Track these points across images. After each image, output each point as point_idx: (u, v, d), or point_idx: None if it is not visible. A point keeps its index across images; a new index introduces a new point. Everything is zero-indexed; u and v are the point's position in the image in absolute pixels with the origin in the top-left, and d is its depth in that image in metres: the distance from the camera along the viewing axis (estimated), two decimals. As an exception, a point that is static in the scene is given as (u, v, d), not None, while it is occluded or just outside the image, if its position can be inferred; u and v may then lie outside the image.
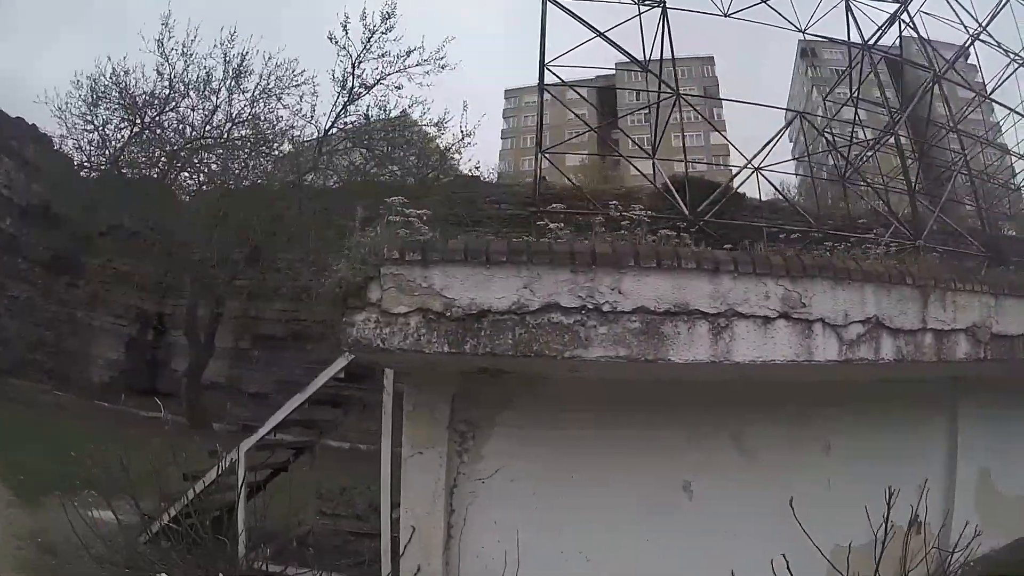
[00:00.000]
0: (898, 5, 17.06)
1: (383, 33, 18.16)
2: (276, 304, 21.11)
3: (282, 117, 19.00)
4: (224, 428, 17.21)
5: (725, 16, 16.98)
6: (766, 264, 3.83)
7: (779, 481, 4.25)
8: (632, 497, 4.26)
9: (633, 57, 16.34)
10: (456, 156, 20.51)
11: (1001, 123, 20.67)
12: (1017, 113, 17.64)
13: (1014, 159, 20.45)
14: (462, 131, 19.34)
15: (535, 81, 15.85)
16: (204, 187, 19.19)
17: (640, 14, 16.32)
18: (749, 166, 15.51)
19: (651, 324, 3.58)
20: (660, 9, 15.81)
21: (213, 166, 19.00)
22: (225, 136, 18.53)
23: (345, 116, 18.89)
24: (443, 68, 18.96)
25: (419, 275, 3.53)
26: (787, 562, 3.51)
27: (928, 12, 17.74)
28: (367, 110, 19.06)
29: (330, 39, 18.06)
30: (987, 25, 18.15)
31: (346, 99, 18.49)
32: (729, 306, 3.68)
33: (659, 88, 15.41)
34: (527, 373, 4.14)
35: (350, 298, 3.56)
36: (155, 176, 19.01)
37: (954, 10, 17.52)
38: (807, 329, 3.82)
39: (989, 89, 19.35)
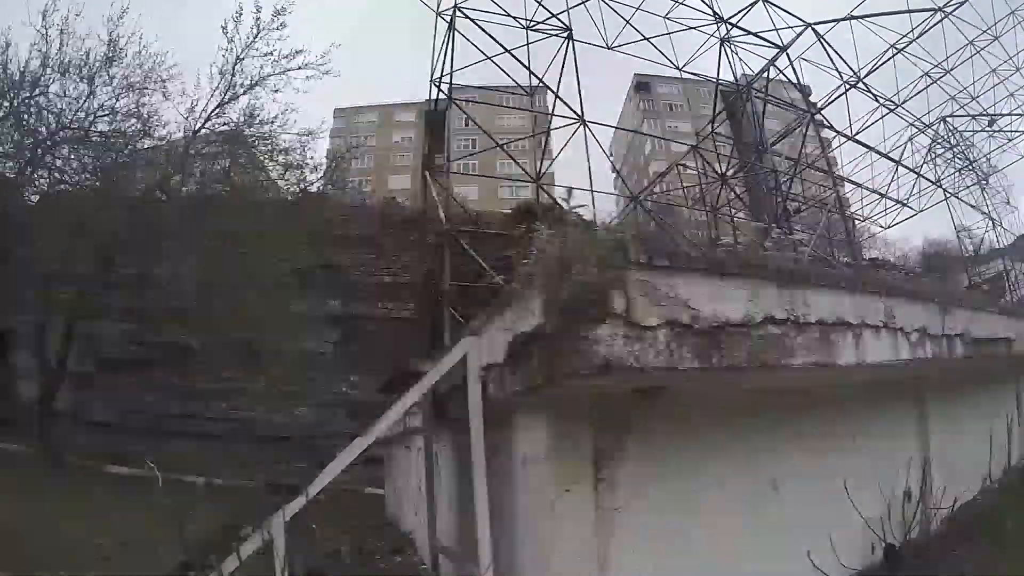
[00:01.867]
0: (777, 50, 19.51)
1: (277, 29, 17.42)
2: (121, 324, 19.08)
3: (151, 113, 17.03)
4: (75, 462, 16.00)
5: (608, 48, 18.66)
6: (878, 284, 4.70)
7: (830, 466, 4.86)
8: (735, 499, 4.30)
9: (545, 83, 19.39)
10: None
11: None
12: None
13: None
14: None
15: (365, 101, 16.58)
16: (58, 187, 17.19)
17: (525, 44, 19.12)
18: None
19: (823, 333, 3.82)
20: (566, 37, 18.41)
21: (74, 163, 17.01)
22: (87, 129, 16.32)
23: (220, 116, 17.37)
24: (326, 74, 18.65)
25: (665, 284, 3.01)
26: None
27: (807, 59, 21.00)
28: (241, 113, 17.68)
29: (223, 29, 17.08)
30: (865, 76, 21.46)
31: (222, 97, 17.17)
32: (860, 318, 4.16)
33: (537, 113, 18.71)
34: (682, 390, 3.74)
35: (592, 308, 2.71)
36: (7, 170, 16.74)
37: (832, 61, 20.50)
38: (894, 335, 4.54)
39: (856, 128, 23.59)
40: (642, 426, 3.80)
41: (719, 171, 22.75)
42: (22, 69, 16.11)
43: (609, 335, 2.77)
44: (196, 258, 15.74)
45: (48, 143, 16.21)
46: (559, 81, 19.10)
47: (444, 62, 18.74)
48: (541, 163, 19.26)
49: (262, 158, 18.33)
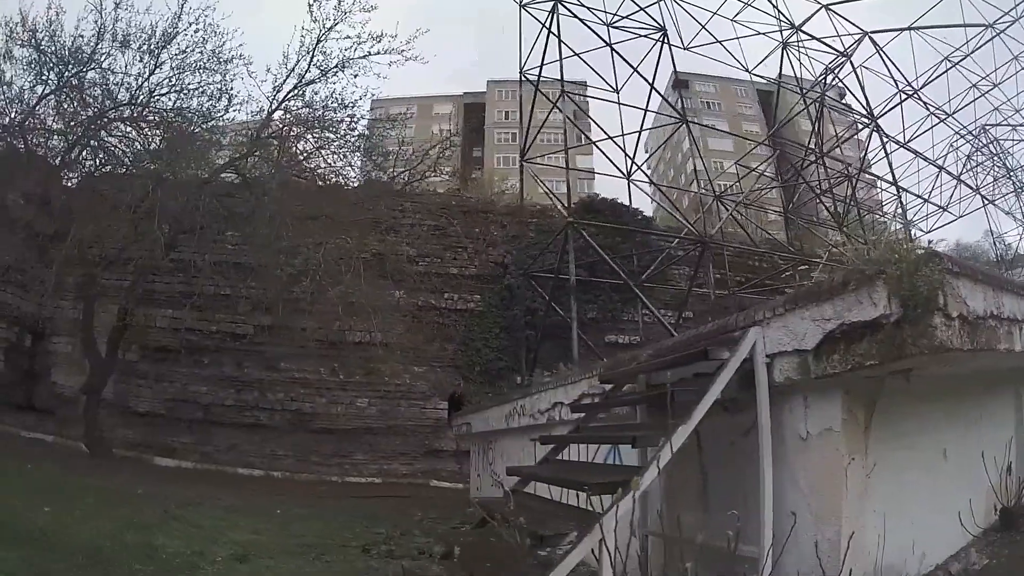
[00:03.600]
0: (844, 57, 21.15)
1: (364, 11, 17.51)
2: (166, 310, 19.27)
3: (222, 90, 16.88)
4: (120, 454, 16.44)
5: (684, 49, 20.92)
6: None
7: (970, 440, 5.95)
8: (929, 464, 5.39)
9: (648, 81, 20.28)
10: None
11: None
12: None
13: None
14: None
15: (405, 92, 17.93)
16: (110, 166, 16.83)
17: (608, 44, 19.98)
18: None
19: (1010, 326, 4.78)
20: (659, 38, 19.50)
21: (133, 142, 16.62)
22: (146, 105, 15.88)
23: (297, 97, 17.09)
24: (407, 60, 18.22)
25: (955, 284, 4.13)
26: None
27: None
28: (321, 95, 17.41)
29: (308, 6, 17.03)
30: (921, 87, 23.06)
31: (300, 79, 16.87)
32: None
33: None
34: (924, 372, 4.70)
35: (931, 302, 3.93)
36: (62, 147, 16.16)
37: (889, 70, 22.31)
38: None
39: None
40: (884, 403, 4.87)
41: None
42: (74, 40, 15.58)
43: (940, 323, 3.92)
44: (263, 243, 15.75)
45: (102, 120, 15.84)
46: (653, 79, 20.43)
47: (540, 53, 19.57)
48: (634, 157, 19.96)
49: (339, 143, 18.04)
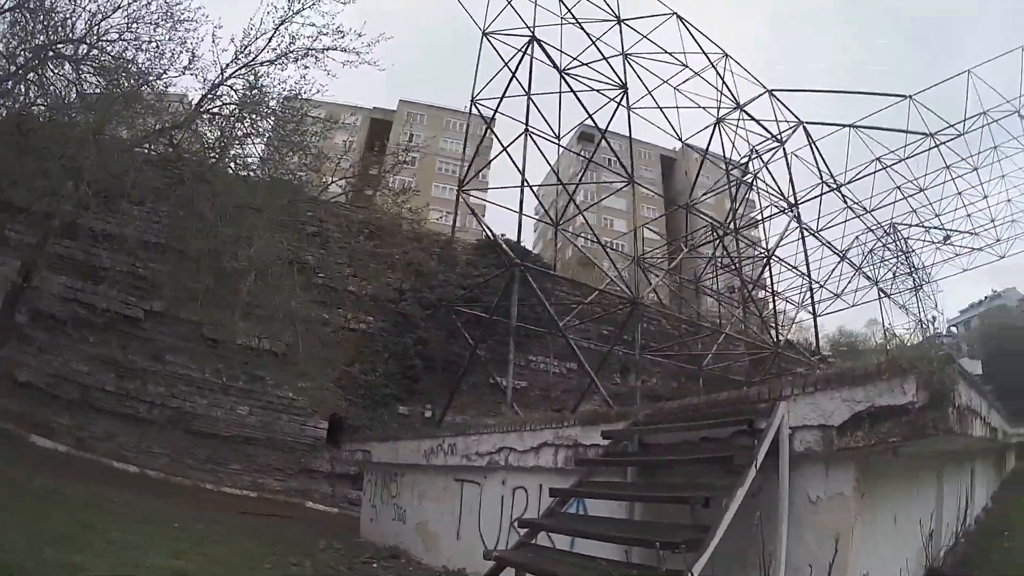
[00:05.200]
0: (777, 145, 22.77)
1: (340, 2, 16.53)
2: (62, 277, 17.87)
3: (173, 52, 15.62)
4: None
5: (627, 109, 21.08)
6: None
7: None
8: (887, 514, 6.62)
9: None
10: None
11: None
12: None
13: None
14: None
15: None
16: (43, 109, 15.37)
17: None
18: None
19: (969, 416, 5.86)
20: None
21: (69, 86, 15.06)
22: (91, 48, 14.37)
23: (243, 76, 15.92)
24: (366, 64, 17.22)
25: (961, 384, 5.32)
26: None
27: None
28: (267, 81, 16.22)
29: None
30: (847, 183, 24.93)
31: (251, 56, 15.82)
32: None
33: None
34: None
35: (949, 393, 5.04)
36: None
37: (816, 162, 25.64)
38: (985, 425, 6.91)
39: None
40: (871, 474, 5.90)
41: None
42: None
43: (951, 412, 5.01)
44: (175, 224, 15.05)
45: (47, 53, 14.52)
46: (604, 130, 21.39)
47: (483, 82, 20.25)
48: (565, 208, 20.72)
49: (276, 134, 17.08)
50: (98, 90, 14.96)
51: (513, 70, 20.00)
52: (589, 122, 22.87)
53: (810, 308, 28.59)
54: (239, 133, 16.38)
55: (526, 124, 19.50)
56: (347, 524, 16.52)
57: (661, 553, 5.14)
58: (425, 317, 21.38)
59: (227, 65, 15.97)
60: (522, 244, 23.92)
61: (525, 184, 19.68)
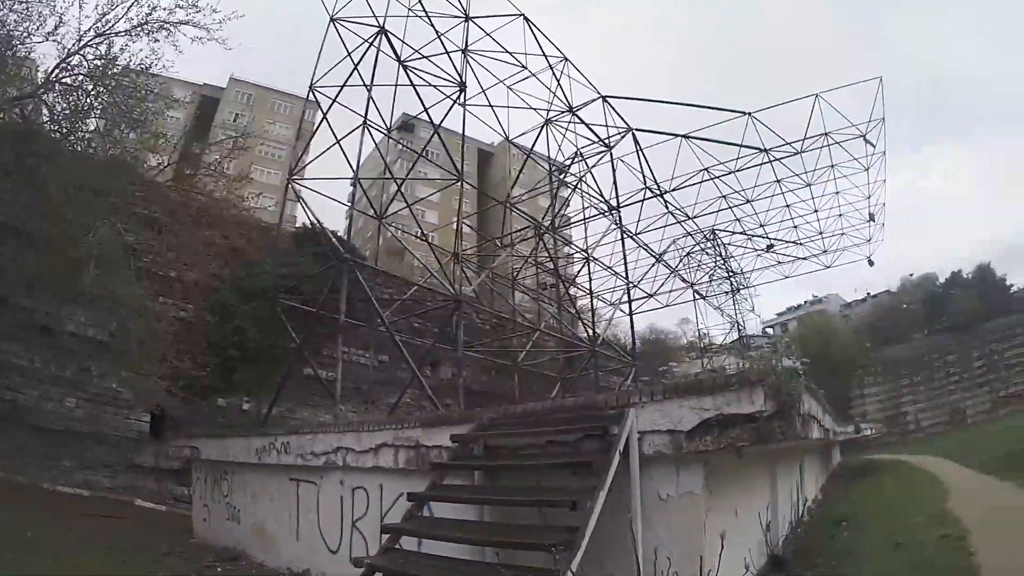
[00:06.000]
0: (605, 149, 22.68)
1: None
2: None
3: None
4: None
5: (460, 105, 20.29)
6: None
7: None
8: (729, 508, 7.07)
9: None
10: None
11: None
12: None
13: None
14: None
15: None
16: None
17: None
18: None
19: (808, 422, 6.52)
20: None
21: None
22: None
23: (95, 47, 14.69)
24: (215, 41, 16.47)
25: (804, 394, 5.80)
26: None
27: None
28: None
29: None
30: (672, 191, 27.35)
31: (106, 25, 14.72)
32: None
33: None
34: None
35: (794, 404, 5.47)
36: None
37: (642, 167, 26.20)
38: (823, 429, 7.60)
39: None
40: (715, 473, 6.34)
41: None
42: None
43: (796, 419, 5.46)
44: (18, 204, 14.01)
45: None
46: (439, 125, 20.56)
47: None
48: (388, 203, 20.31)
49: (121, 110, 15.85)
50: None
51: (356, 61, 19.46)
52: (411, 112, 22.87)
53: (625, 308, 29.40)
54: (84, 106, 15.31)
55: (364, 117, 19.05)
56: (179, 523, 15.72)
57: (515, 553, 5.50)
58: (243, 306, 20.52)
59: (84, 33, 14.98)
60: (340, 234, 23.91)
61: (359, 178, 19.21)
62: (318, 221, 19.56)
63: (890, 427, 49.11)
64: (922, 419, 54.40)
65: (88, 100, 15.13)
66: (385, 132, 21.35)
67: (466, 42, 20.97)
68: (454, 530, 6.51)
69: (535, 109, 25.98)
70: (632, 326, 28.03)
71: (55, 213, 13.28)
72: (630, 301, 27.06)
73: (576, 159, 27.79)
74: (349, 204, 18.92)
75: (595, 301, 28.00)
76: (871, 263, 35.90)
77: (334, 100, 19.19)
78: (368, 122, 19.04)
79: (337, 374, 17.45)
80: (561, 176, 28.75)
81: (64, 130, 15.02)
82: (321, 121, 18.95)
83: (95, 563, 9.83)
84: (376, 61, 19.18)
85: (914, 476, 19.56)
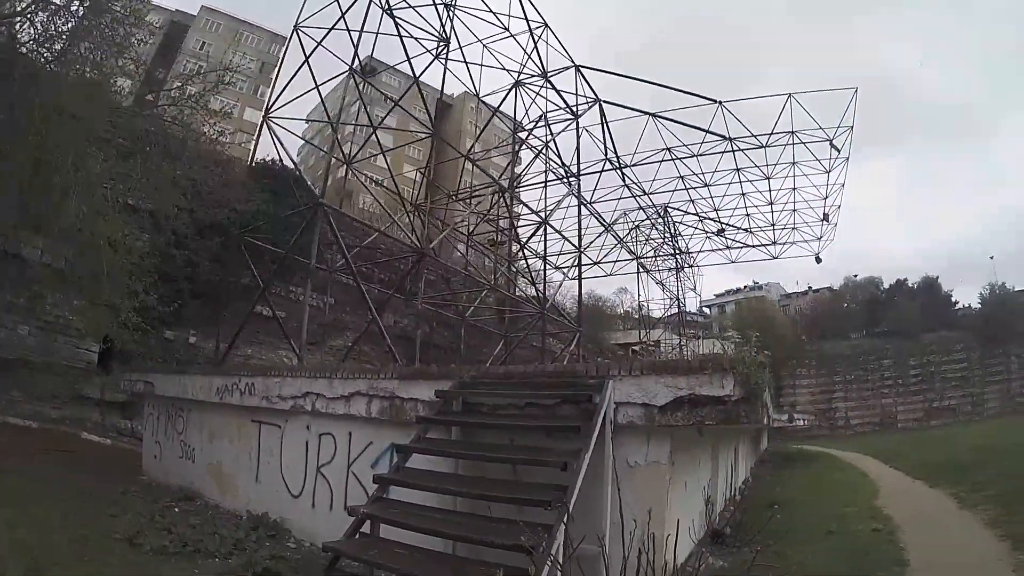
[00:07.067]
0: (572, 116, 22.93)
1: None
2: None
3: None
4: None
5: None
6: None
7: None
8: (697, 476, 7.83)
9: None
10: None
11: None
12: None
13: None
14: None
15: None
16: None
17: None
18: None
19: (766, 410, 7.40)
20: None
21: None
22: None
23: None
24: None
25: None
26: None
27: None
28: None
29: None
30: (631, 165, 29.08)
31: None
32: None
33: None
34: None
35: (760, 391, 6.19)
36: None
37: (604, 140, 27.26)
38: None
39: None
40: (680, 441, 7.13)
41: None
42: None
43: (760, 405, 6.22)
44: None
45: None
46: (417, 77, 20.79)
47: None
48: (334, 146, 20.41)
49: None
50: None
51: (345, 9, 19.46)
52: (383, 59, 24.33)
53: (574, 275, 30.24)
54: (70, 29, 14.60)
55: (351, 66, 18.97)
56: (126, 459, 16.01)
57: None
58: (198, 239, 20.48)
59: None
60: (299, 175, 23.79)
61: (338, 123, 19.36)
62: (295, 164, 19.62)
63: (820, 420, 51.02)
64: (852, 417, 56.84)
65: (74, 21, 14.53)
66: (364, 78, 21.37)
67: (455, -8, 21.10)
68: (444, 483, 7.09)
69: (508, 70, 26.39)
70: (580, 293, 28.73)
71: (39, 139, 12.90)
72: (580, 267, 27.61)
73: (541, 123, 28.14)
74: (324, 151, 18.82)
75: (546, 265, 28.48)
76: (819, 260, 37.10)
77: (319, 43, 19.21)
78: (353, 71, 19.06)
79: (303, 319, 17.58)
80: (526, 137, 29.02)
81: (50, 53, 14.47)
82: (303, 64, 18.94)
83: (62, 506, 9.90)
84: (368, 9, 19.15)
85: (845, 471, 20.74)
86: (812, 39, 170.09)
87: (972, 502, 11.86)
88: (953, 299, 68.05)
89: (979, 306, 62.69)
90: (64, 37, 14.42)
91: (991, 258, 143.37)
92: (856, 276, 77.68)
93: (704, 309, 78.75)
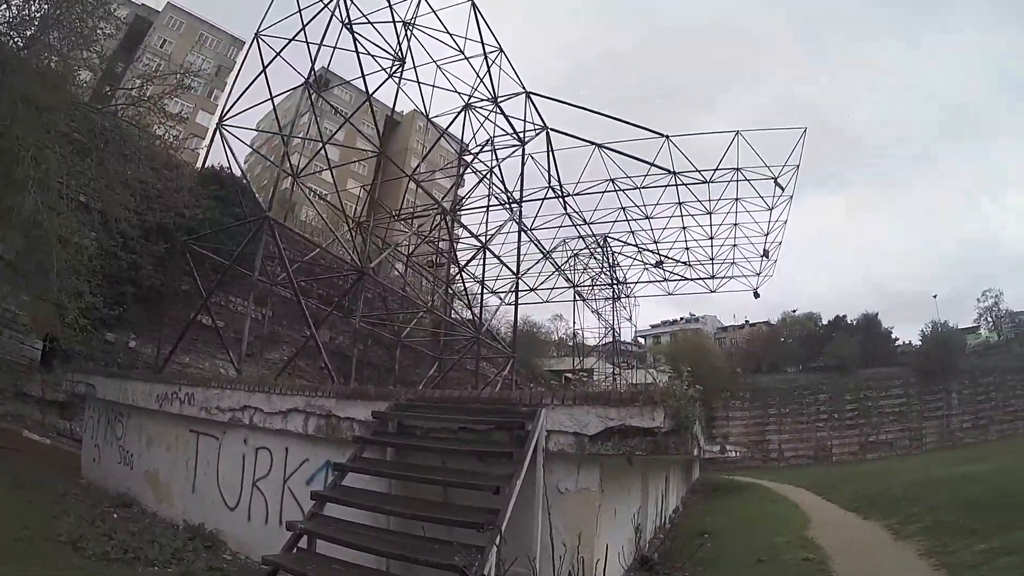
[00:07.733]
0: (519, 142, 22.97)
1: None
2: None
3: None
4: None
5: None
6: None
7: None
8: (627, 506, 8.08)
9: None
10: None
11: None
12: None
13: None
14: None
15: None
16: None
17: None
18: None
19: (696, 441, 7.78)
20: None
21: None
22: None
23: None
24: None
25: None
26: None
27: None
28: None
29: None
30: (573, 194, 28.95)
31: None
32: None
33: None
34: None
35: (689, 424, 6.56)
36: None
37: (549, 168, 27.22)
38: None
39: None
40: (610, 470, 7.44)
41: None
42: None
43: (690, 437, 6.59)
44: None
45: None
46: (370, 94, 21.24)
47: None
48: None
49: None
50: None
51: (305, 21, 19.56)
52: (336, 72, 24.19)
53: (510, 300, 30.29)
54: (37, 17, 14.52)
55: (307, 79, 19.07)
56: (66, 460, 15.80)
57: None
58: (143, 241, 20.28)
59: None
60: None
61: (289, 135, 19.32)
62: (244, 174, 19.55)
63: (753, 452, 51.87)
64: (786, 449, 57.83)
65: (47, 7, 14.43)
66: (316, 91, 21.44)
67: (415, 15, 21.54)
68: (379, 502, 7.30)
69: (459, 93, 26.58)
70: (516, 318, 28.78)
71: (3, 126, 12.80)
72: (516, 293, 27.81)
73: (487, 148, 28.49)
74: (271, 161, 18.87)
75: (484, 290, 28.66)
76: (757, 295, 37.49)
77: (278, 54, 19.22)
78: (309, 85, 19.16)
79: (244, 331, 17.54)
80: (471, 160, 29.37)
81: (21, 39, 14.36)
82: (260, 73, 18.95)
83: (3, 505, 9.91)
84: (329, 24, 19.29)
85: (776, 502, 21.10)
86: (766, 71, 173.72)
87: (906, 533, 12.24)
88: (893, 336, 69.35)
89: (919, 343, 63.98)
90: (35, 24, 14.28)
91: (934, 297, 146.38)
92: (795, 311, 78.99)
93: (639, 339, 79.47)
